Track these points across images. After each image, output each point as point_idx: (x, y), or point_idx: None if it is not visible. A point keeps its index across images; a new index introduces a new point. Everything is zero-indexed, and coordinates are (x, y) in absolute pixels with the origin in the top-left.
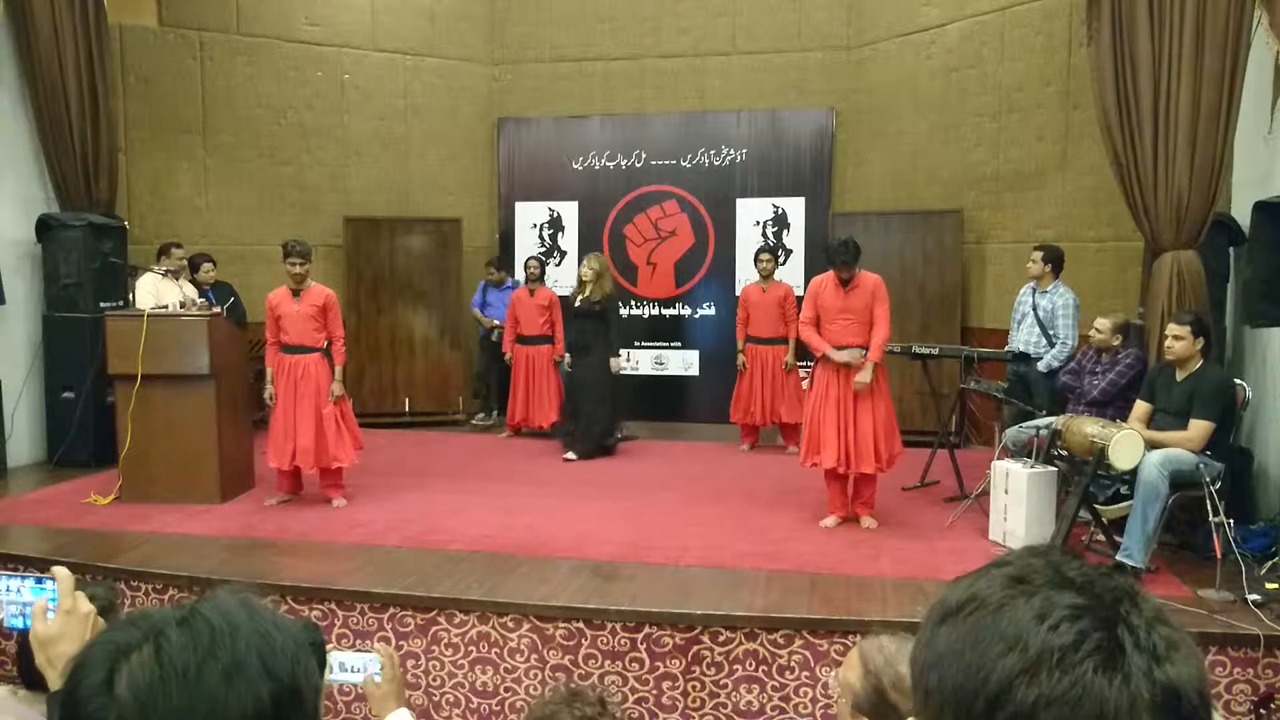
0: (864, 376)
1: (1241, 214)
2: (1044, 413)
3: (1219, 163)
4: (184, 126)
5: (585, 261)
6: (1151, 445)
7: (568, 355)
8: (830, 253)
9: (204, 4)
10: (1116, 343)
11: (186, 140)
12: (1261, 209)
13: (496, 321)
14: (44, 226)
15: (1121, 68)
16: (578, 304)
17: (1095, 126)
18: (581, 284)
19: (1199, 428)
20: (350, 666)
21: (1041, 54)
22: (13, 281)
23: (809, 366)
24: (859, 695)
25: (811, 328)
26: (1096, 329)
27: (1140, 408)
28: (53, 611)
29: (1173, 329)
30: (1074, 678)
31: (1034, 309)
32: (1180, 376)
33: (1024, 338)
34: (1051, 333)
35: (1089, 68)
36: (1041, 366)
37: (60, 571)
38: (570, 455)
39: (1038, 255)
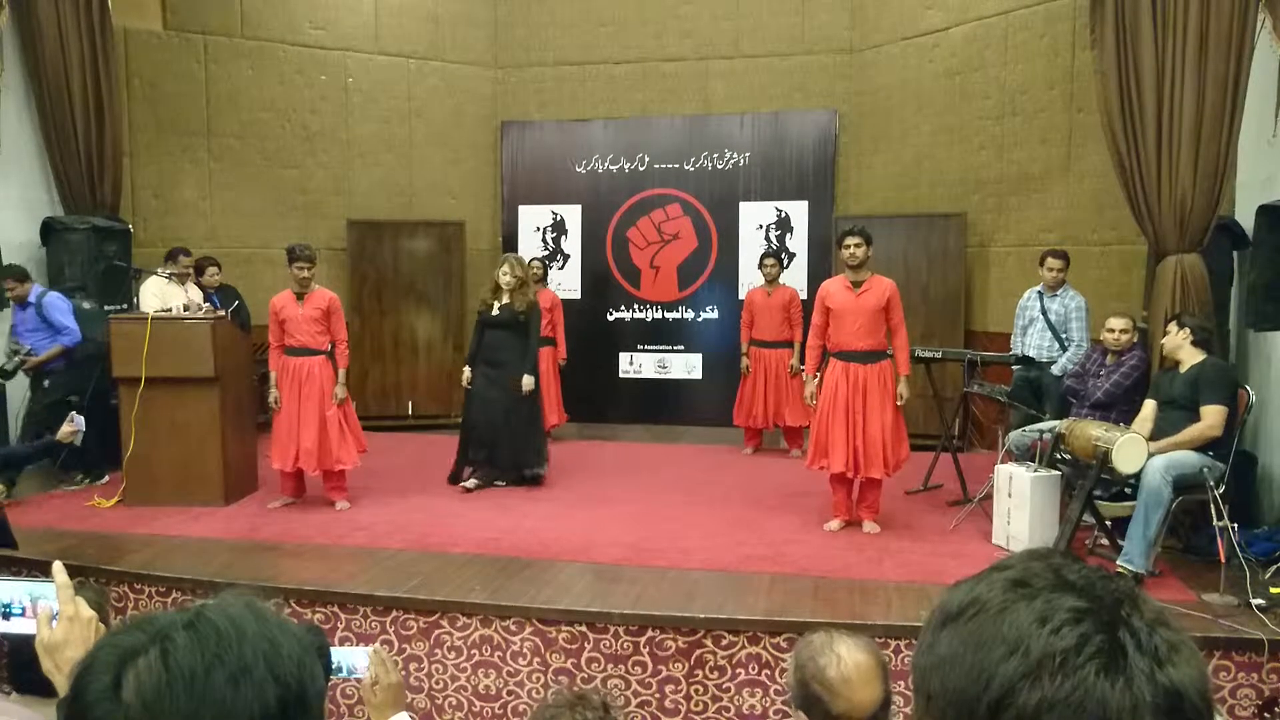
0: (903, 389)
1: (1245, 217)
2: (1048, 416)
3: (1223, 166)
4: (188, 130)
5: (507, 266)
6: (1169, 449)
7: (468, 370)
8: (842, 233)
9: (208, 7)
10: (1133, 340)
11: (191, 143)
12: (1265, 212)
13: (25, 347)
14: (48, 229)
15: (1125, 71)
16: (496, 312)
17: (1099, 130)
18: (497, 289)
19: (1212, 413)
20: (346, 666)
21: (1045, 57)
22: None
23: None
24: (791, 689)
25: (817, 337)
26: (1109, 328)
27: (1148, 407)
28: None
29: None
30: (1076, 681)
31: (1044, 313)
32: (1182, 370)
33: (1034, 343)
34: (1065, 336)
35: (1092, 71)
36: (1056, 370)
37: (59, 579)
38: (470, 484)
39: (1058, 263)
